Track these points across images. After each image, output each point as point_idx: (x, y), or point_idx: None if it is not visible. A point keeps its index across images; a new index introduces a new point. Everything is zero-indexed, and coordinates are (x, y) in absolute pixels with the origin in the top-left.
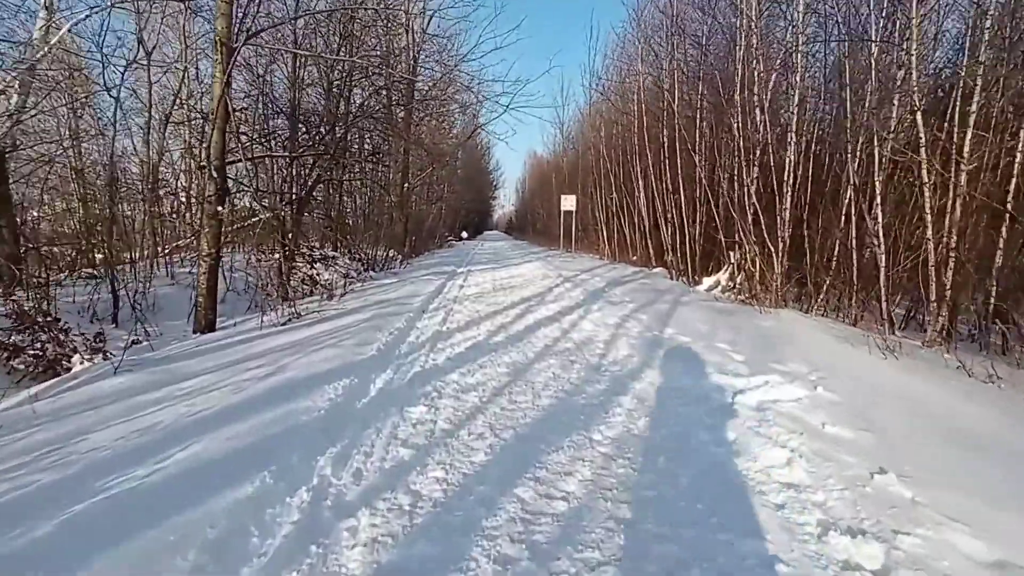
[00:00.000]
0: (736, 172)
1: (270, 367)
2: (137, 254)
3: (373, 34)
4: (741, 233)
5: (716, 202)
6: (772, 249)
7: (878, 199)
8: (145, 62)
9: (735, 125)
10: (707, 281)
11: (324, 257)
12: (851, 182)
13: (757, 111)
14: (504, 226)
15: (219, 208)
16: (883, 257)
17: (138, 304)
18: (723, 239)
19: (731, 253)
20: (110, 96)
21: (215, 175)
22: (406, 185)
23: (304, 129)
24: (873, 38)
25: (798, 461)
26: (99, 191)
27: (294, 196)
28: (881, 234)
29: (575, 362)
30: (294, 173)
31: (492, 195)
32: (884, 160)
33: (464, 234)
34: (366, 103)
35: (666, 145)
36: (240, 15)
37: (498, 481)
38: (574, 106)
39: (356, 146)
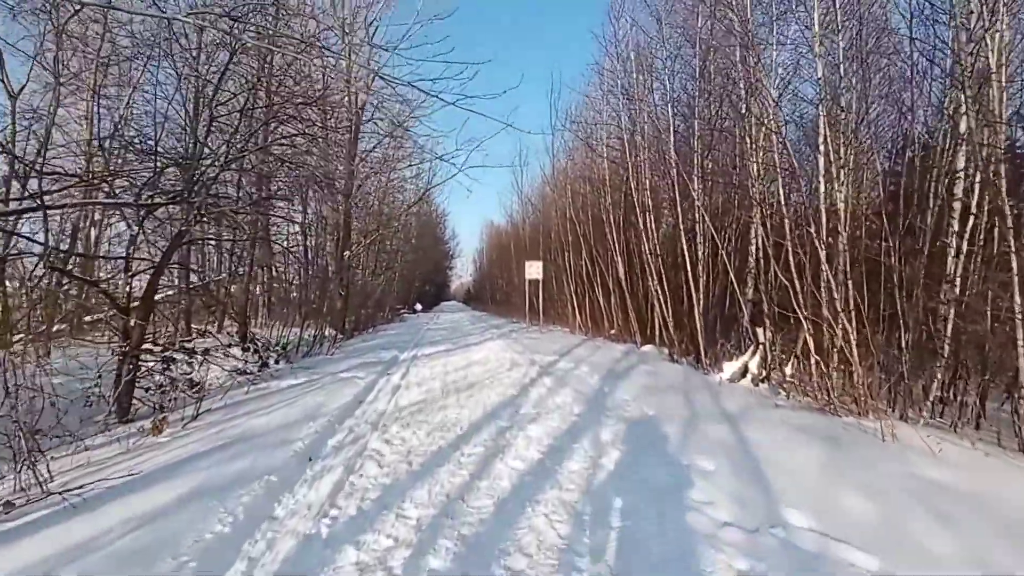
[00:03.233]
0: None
1: None
2: None
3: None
4: (797, 305)
5: (730, 260)
6: (844, 326)
7: None
8: None
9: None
10: (729, 368)
11: (191, 351)
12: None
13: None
14: (462, 296)
15: None
16: None
17: None
18: (744, 310)
19: (758, 330)
20: None
21: None
22: (346, 253)
23: (162, 167)
24: None
25: None
26: None
27: (126, 262)
28: None
29: None
30: (170, 233)
31: (449, 265)
32: None
33: (418, 306)
34: (259, 132)
35: (649, 196)
36: None
37: None
38: (536, 167)
39: (249, 193)
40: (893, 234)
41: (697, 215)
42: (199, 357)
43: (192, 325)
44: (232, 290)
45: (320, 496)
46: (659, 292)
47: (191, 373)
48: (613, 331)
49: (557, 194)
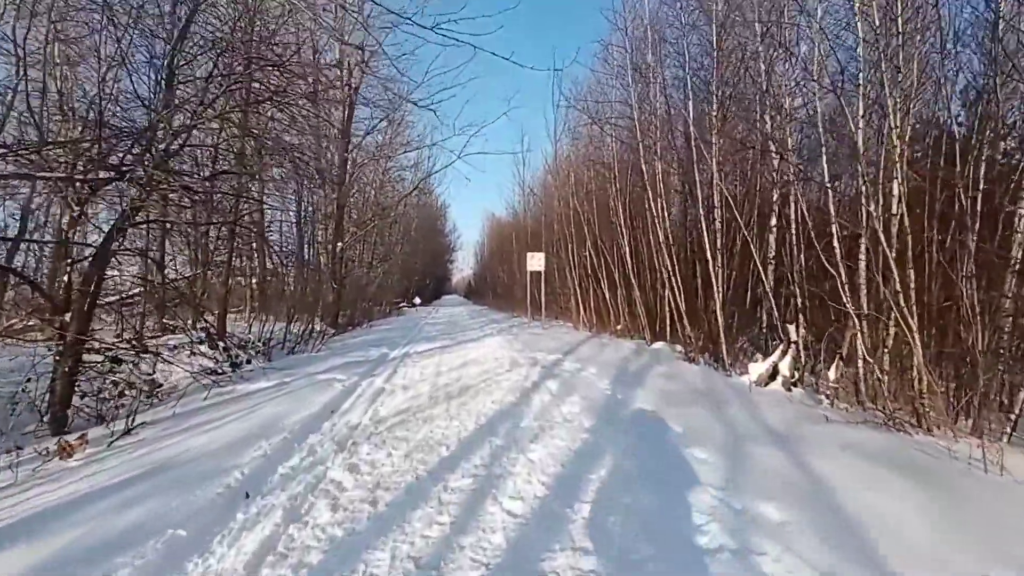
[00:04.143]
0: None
1: None
2: None
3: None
4: (847, 297)
5: (755, 247)
6: (906, 321)
7: None
8: None
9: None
10: (755, 369)
11: (142, 351)
12: None
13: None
14: (463, 290)
15: None
16: None
17: None
18: (772, 304)
19: (789, 327)
20: None
21: None
22: (339, 244)
23: (98, 138)
24: None
25: None
26: None
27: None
28: None
29: None
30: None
31: (449, 258)
32: None
33: (417, 300)
34: (220, 99)
35: (661, 179)
36: None
37: None
38: (538, 156)
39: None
40: (966, 214)
41: (716, 198)
42: (151, 357)
43: (165, 320)
44: (212, 282)
45: (239, 562)
46: (672, 284)
47: (152, 375)
48: (619, 327)
49: (560, 182)
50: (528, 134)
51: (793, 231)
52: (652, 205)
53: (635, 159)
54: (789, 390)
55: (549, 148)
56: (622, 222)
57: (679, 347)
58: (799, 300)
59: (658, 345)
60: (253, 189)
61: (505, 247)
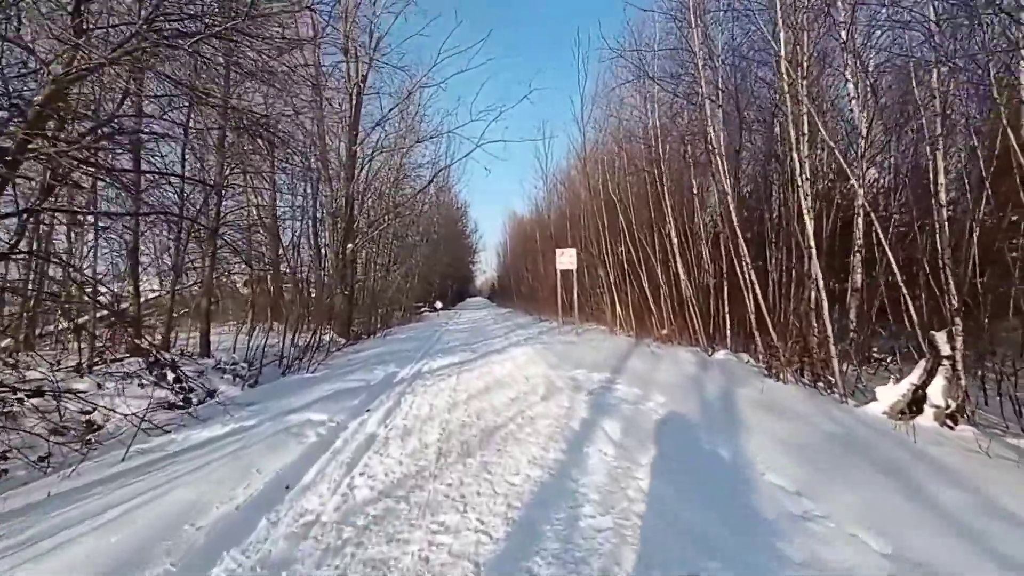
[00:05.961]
0: None
1: None
2: None
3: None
4: None
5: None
6: None
7: None
8: None
9: None
10: (885, 395)
11: (36, 392)
12: None
13: None
14: (487, 291)
15: None
16: None
17: None
18: (911, 304)
19: (936, 336)
20: None
21: None
22: (349, 246)
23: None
24: None
25: None
26: None
27: None
28: None
29: None
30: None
31: (472, 259)
32: None
33: (438, 304)
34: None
35: (722, 148)
36: None
37: None
38: (561, 143)
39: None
40: None
41: (813, 158)
42: (69, 395)
43: (138, 340)
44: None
45: None
46: (746, 278)
47: (89, 413)
48: (665, 331)
49: (590, 168)
50: (549, 121)
51: (942, 196)
52: (720, 179)
53: (683, 131)
54: (950, 427)
55: (574, 133)
56: (668, 207)
57: (746, 357)
58: (954, 299)
59: (721, 355)
60: (263, 188)
61: (528, 246)
